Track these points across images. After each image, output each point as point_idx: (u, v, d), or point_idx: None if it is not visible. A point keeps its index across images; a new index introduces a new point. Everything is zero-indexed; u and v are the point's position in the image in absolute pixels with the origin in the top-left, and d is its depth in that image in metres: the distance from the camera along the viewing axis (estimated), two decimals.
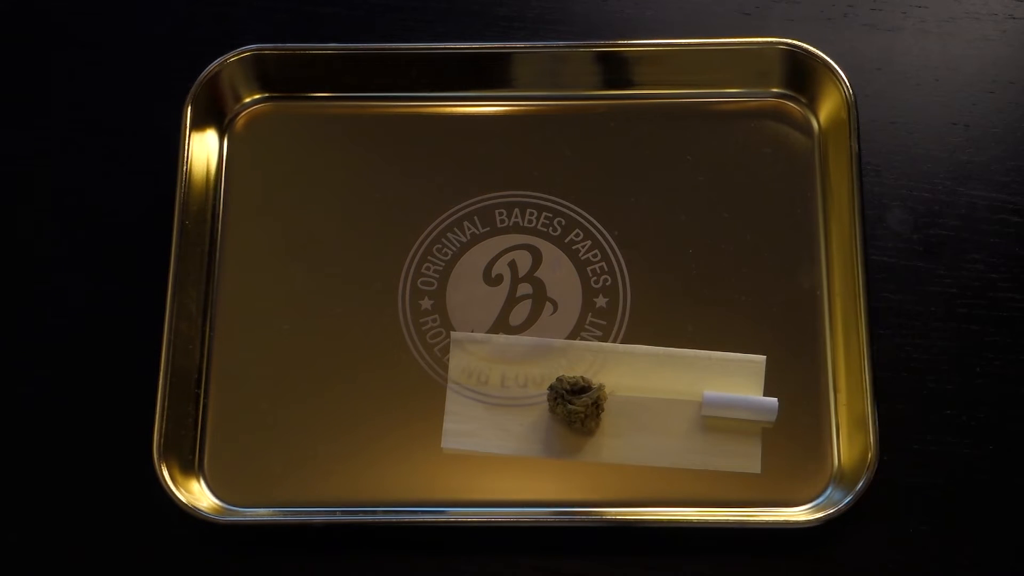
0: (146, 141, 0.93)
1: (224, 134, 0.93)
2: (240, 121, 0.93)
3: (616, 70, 0.92)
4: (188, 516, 0.82)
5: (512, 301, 0.88)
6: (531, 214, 0.90)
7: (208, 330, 0.88)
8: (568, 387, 0.83)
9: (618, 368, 0.86)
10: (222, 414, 0.86)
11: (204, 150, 0.91)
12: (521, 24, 0.96)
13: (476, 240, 0.90)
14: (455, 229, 0.90)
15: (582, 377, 0.84)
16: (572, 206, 0.90)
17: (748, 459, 0.84)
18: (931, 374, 0.86)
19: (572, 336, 0.87)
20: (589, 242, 0.89)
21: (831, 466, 0.84)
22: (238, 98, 0.93)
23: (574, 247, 0.89)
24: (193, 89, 0.91)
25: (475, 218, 0.90)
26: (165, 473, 0.83)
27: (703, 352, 0.86)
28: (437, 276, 0.89)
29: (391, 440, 0.85)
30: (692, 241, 0.89)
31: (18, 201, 0.93)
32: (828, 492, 0.83)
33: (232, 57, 0.92)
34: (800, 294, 0.87)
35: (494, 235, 0.90)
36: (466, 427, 0.85)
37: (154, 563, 0.84)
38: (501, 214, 0.90)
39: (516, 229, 0.90)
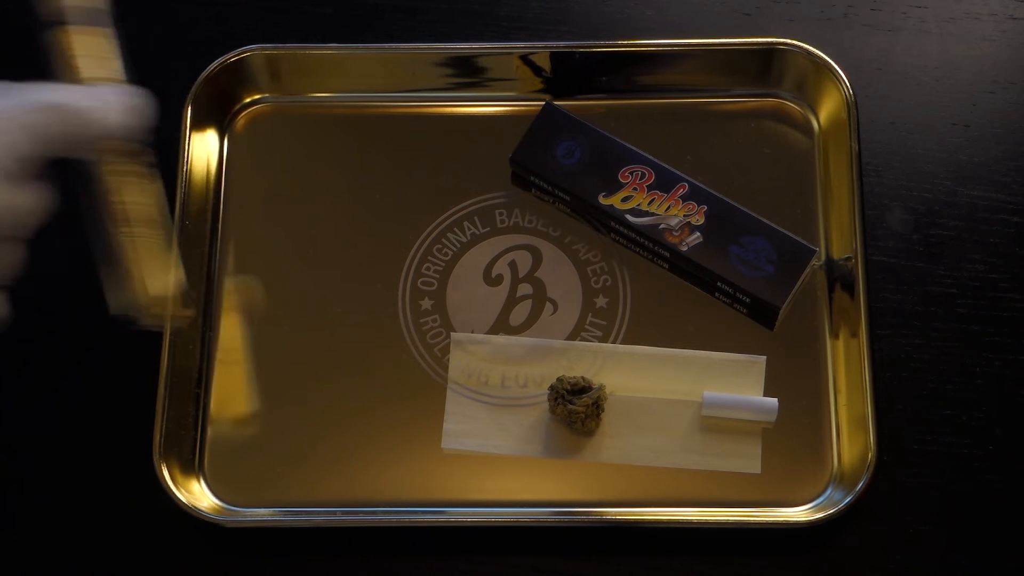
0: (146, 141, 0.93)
1: (224, 134, 0.93)
2: (240, 121, 0.93)
3: (616, 70, 0.92)
4: (188, 516, 0.82)
5: (512, 301, 0.88)
6: (531, 214, 0.90)
7: (208, 330, 0.88)
8: (568, 387, 0.83)
9: (618, 368, 0.86)
10: (222, 414, 0.86)
11: (204, 150, 0.91)
12: (521, 24, 0.96)
13: (476, 240, 0.90)
14: (455, 229, 0.90)
15: (582, 377, 0.84)
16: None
17: (748, 459, 0.84)
18: (931, 374, 0.86)
19: (572, 336, 0.87)
20: (589, 242, 0.89)
21: (831, 466, 0.84)
22: (238, 98, 0.93)
23: (574, 247, 0.89)
24: (193, 89, 0.91)
25: (475, 218, 0.90)
26: (165, 473, 0.83)
27: (703, 352, 0.86)
28: (437, 276, 0.89)
29: (391, 440, 0.85)
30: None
31: None
32: (828, 492, 0.83)
33: (232, 57, 0.92)
34: (800, 294, 0.87)
35: (494, 235, 0.90)
36: (466, 427, 0.85)
37: (154, 563, 0.84)
38: (501, 214, 0.90)
39: (516, 229, 0.90)
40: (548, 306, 0.88)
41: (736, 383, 0.85)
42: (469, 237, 0.90)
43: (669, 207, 0.87)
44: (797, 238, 0.87)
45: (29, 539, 0.85)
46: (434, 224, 0.90)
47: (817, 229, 0.89)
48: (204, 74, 0.91)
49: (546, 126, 0.90)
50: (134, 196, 0.76)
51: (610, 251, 0.89)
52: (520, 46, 0.92)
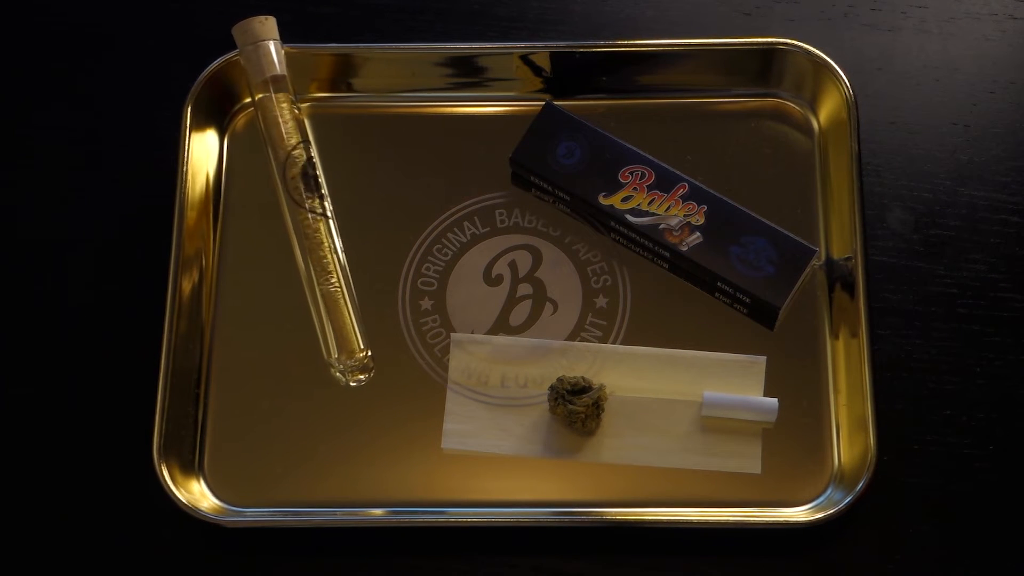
0: (146, 141, 0.93)
1: (224, 134, 0.93)
2: (240, 121, 0.93)
3: (616, 70, 0.92)
4: (188, 516, 0.82)
5: (512, 301, 0.88)
6: (531, 214, 0.90)
7: (208, 329, 0.88)
8: (568, 387, 0.83)
9: (618, 368, 0.86)
10: (222, 414, 0.86)
11: (204, 150, 0.91)
12: (521, 24, 0.96)
13: (476, 240, 0.90)
14: (455, 229, 0.90)
15: (582, 377, 0.84)
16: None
17: (748, 459, 0.84)
18: (931, 374, 0.86)
19: (572, 336, 0.87)
20: (589, 242, 0.89)
21: (831, 466, 0.84)
22: (238, 98, 0.93)
23: (574, 247, 0.89)
24: (193, 89, 0.91)
25: (475, 218, 0.90)
26: (165, 473, 0.83)
27: (703, 352, 0.86)
28: (437, 276, 0.89)
29: (391, 440, 0.85)
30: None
31: (17, 200, 0.93)
32: (828, 492, 0.83)
33: (232, 57, 0.92)
34: (800, 294, 0.87)
35: (494, 235, 0.90)
36: (466, 427, 0.85)
37: (154, 563, 0.84)
38: (501, 214, 0.90)
39: (516, 229, 0.90)
40: (548, 306, 0.88)
41: (736, 383, 0.85)
42: (469, 237, 0.90)
43: (669, 207, 0.87)
44: (797, 238, 0.87)
45: (29, 539, 0.85)
46: (434, 224, 0.90)
47: (817, 229, 0.89)
48: (204, 74, 0.91)
49: (546, 126, 0.90)
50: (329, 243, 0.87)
51: (610, 251, 0.89)
52: (520, 46, 0.92)
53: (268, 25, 0.90)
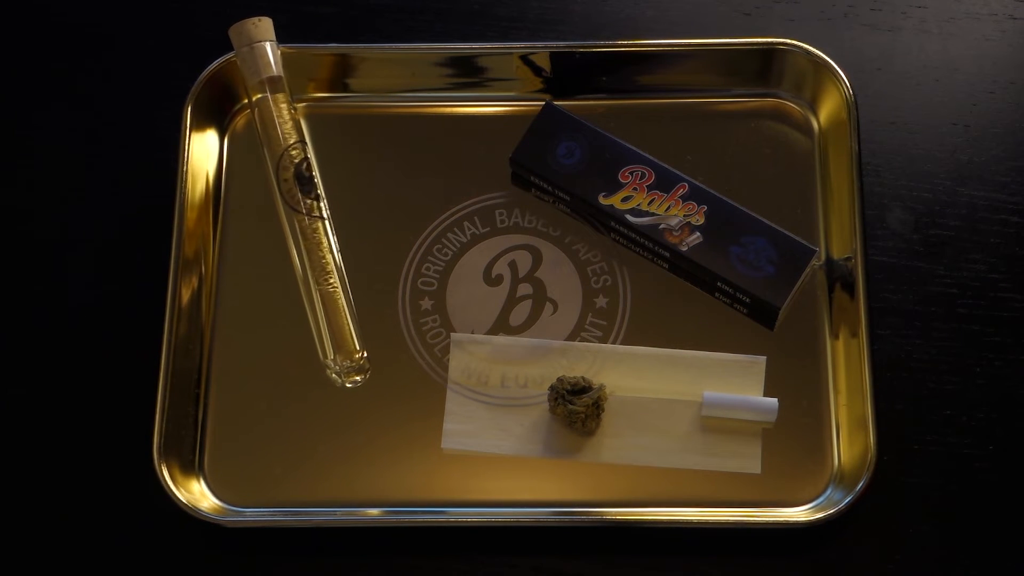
0: (146, 141, 0.93)
1: (224, 134, 0.93)
2: (240, 121, 0.93)
3: (616, 70, 0.92)
4: (188, 516, 0.82)
5: (512, 301, 0.88)
6: (531, 214, 0.90)
7: (208, 330, 0.88)
8: (569, 387, 0.83)
9: (618, 368, 0.86)
10: (222, 414, 0.86)
11: (204, 150, 0.91)
12: (521, 24, 0.96)
13: (476, 240, 0.90)
14: (455, 229, 0.90)
15: (582, 377, 0.84)
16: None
17: (748, 459, 0.84)
18: (931, 374, 0.86)
19: (572, 336, 0.87)
20: (589, 242, 0.89)
21: (831, 466, 0.84)
22: (238, 98, 0.93)
23: (574, 247, 0.89)
24: (193, 89, 0.91)
25: (475, 218, 0.90)
26: (165, 473, 0.83)
27: (703, 352, 0.86)
28: (437, 276, 0.89)
29: (391, 440, 0.85)
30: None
31: (17, 200, 0.93)
32: (828, 492, 0.83)
33: (232, 57, 0.92)
34: (800, 294, 0.87)
35: (494, 235, 0.90)
36: (466, 427, 0.85)
37: (154, 563, 0.84)
38: (501, 214, 0.90)
39: (516, 229, 0.90)
40: (548, 306, 0.88)
41: (736, 383, 0.85)
42: (469, 237, 0.90)
43: (669, 207, 0.87)
44: (797, 238, 0.87)
45: (30, 539, 0.85)
46: (434, 224, 0.90)
47: (817, 229, 0.89)
48: (204, 74, 0.91)
49: (546, 126, 0.90)
50: (326, 245, 0.87)
51: (610, 251, 0.89)
52: (520, 46, 0.92)
53: (263, 26, 0.90)
